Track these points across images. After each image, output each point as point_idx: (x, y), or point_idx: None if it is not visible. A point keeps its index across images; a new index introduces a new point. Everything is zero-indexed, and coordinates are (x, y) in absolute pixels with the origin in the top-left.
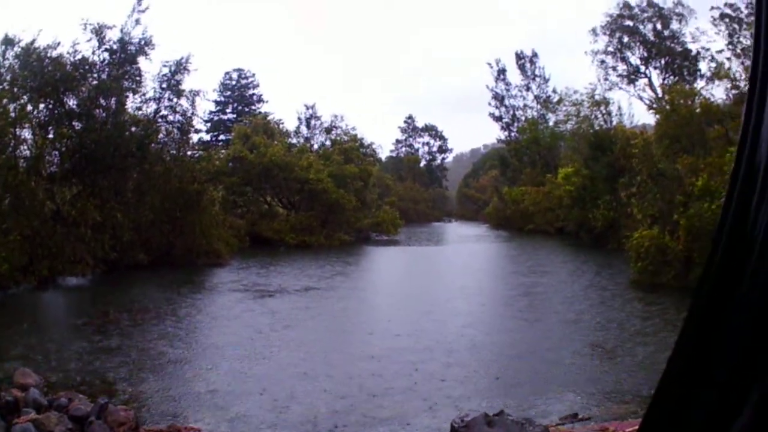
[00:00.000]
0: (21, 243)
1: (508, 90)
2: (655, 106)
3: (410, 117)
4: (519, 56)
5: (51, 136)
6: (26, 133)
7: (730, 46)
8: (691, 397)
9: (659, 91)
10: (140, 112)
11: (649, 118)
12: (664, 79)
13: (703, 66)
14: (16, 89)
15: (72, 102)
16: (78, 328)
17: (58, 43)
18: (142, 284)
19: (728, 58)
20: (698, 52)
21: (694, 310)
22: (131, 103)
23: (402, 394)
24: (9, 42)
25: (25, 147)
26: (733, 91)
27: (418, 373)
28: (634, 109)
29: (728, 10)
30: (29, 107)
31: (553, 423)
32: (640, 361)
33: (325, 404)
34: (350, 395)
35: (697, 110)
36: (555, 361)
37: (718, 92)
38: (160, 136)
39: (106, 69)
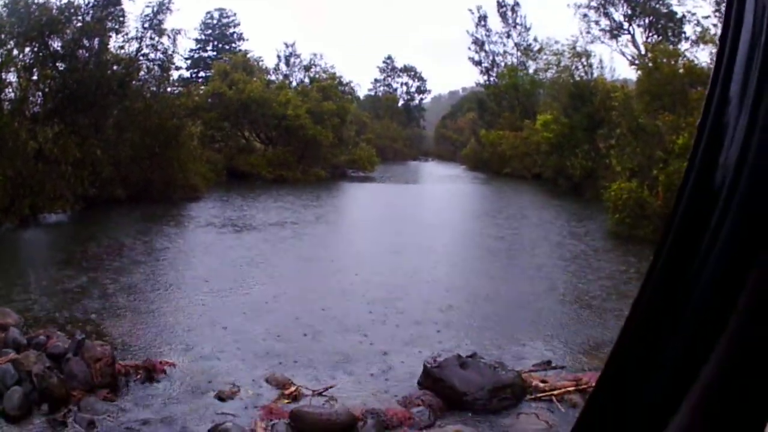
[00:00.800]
0: (4, 183)
1: (488, 36)
2: (637, 62)
3: (389, 57)
4: (500, 4)
5: (35, 77)
6: (11, 77)
7: (717, 13)
8: (656, 346)
9: (642, 48)
10: (122, 51)
11: (630, 73)
12: (647, 38)
13: (689, 29)
14: (3, 36)
15: (56, 44)
16: (58, 264)
17: None
18: (119, 219)
19: (714, 24)
20: (684, 15)
21: (658, 258)
22: (114, 42)
23: (374, 331)
24: None
25: (10, 90)
26: None
27: (391, 311)
28: (616, 63)
29: None
30: (15, 51)
31: (525, 369)
32: (615, 313)
33: (297, 340)
34: (321, 332)
35: (680, 70)
36: (529, 308)
37: (703, 56)
38: (141, 73)
39: (91, 11)
